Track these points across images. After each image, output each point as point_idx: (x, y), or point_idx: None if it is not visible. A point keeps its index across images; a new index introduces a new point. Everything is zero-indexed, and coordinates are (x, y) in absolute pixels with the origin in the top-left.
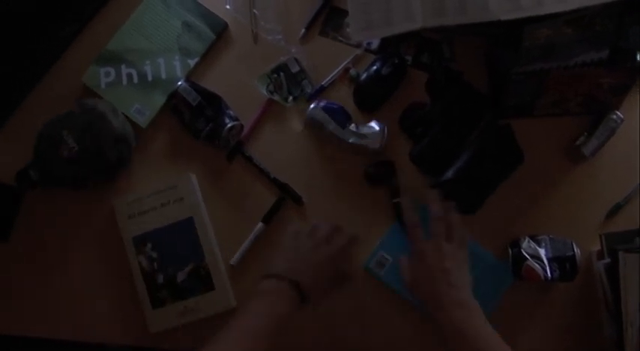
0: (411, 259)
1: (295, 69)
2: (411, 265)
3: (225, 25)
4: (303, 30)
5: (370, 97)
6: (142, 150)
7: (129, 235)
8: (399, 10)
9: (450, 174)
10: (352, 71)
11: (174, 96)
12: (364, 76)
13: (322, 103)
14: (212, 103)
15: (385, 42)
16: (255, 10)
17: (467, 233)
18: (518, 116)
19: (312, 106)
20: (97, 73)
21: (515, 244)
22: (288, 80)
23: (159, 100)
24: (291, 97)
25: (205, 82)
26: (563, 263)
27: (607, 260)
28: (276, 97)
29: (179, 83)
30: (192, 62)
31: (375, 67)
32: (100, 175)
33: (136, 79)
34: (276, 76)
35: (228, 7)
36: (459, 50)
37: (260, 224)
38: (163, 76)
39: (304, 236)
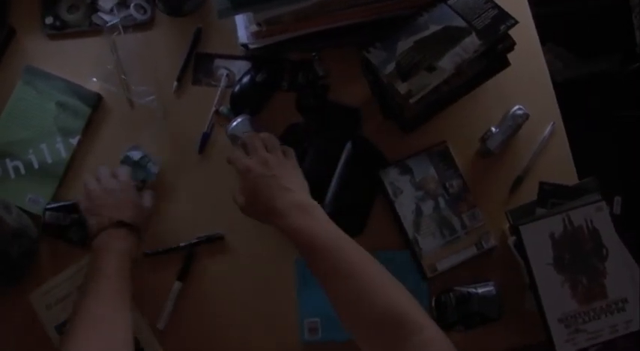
0: (240, 183)
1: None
2: (241, 187)
3: (99, 97)
4: (175, 83)
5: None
6: (46, 237)
7: (51, 325)
8: None
9: (326, 207)
10: (222, 109)
11: (47, 226)
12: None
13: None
14: None
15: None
16: (123, 76)
17: (289, 148)
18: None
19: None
20: None
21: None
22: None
23: (51, 185)
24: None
25: (91, 157)
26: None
27: (514, 237)
28: None
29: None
30: (74, 141)
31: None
32: (8, 274)
33: (23, 170)
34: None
35: (94, 79)
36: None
37: (176, 283)
38: (49, 160)
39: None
